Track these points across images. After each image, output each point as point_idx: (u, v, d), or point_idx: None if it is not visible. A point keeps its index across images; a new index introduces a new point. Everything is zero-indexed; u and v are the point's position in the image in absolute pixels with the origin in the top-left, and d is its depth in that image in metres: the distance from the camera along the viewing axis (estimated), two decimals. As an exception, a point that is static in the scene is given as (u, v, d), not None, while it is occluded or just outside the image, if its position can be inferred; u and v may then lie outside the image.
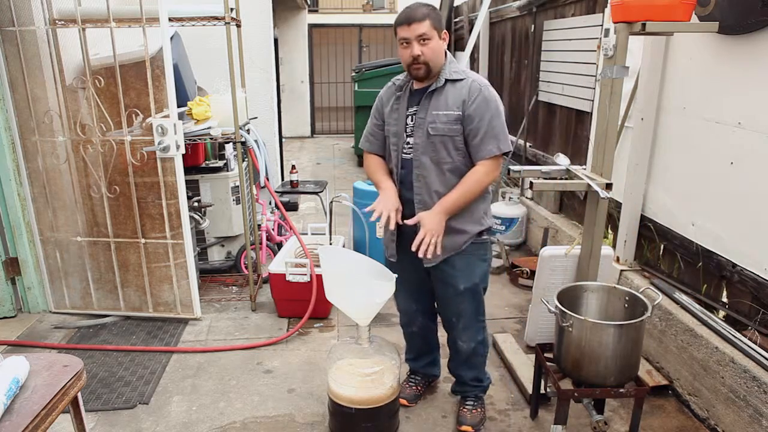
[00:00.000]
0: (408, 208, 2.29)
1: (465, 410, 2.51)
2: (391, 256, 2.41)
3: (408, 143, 2.25)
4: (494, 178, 2.24)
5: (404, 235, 2.33)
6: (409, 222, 2.16)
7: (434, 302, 2.53)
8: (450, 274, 2.32)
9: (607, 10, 2.91)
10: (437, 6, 7.65)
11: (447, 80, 2.19)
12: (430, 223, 2.13)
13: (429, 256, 2.13)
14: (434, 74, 2.19)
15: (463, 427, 2.45)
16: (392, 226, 2.21)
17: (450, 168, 2.21)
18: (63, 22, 3.09)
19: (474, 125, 2.15)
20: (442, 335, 2.61)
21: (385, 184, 2.30)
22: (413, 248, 2.13)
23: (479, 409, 2.52)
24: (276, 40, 5.21)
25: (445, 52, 2.21)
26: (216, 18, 3.18)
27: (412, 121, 2.24)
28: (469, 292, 2.34)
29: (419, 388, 2.68)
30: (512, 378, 2.83)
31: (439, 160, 2.21)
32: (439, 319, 2.58)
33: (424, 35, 2.10)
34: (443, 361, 2.73)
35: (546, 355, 2.36)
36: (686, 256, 2.79)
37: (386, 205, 2.20)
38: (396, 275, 2.27)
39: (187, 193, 3.24)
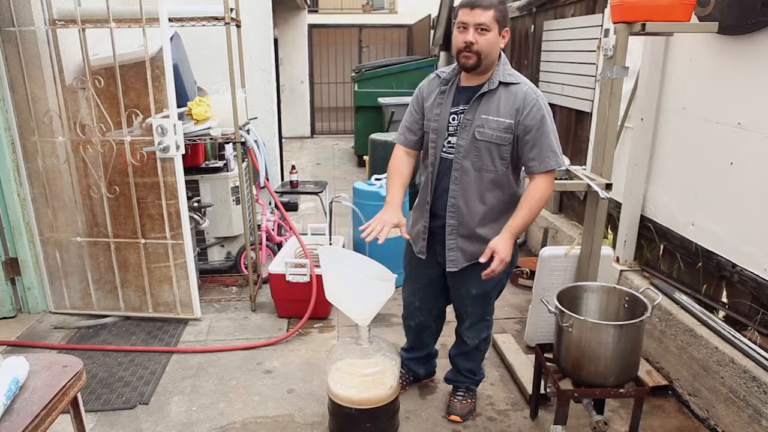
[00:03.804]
0: (441, 209, 2.24)
1: (455, 400, 2.55)
2: (420, 252, 2.35)
3: (450, 142, 2.17)
4: (551, 194, 2.19)
5: (432, 234, 2.31)
6: (483, 259, 2.07)
7: (438, 303, 2.52)
8: (464, 278, 2.32)
9: (607, 11, 2.92)
10: (437, 5, 7.66)
11: (501, 83, 2.09)
12: (503, 251, 2.06)
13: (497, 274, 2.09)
14: (483, 69, 2.08)
15: (452, 417, 2.49)
16: (381, 240, 2.11)
17: (491, 178, 2.15)
18: (63, 23, 3.09)
19: (531, 136, 2.07)
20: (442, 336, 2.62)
21: (393, 198, 2.23)
22: (483, 277, 2.09)
23: (469, 401, 2.55)
24: (276, 41, 5.21)
25: (500, 53, 2.11)
26: (216, 18, 3.17)
27: (456, 120, 2.15)
28: (479, 297, 2.36)
29: (402, 381, 2.68)
30: (512, 378, 2.83)
31: (481, 167, 2.14)
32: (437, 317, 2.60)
33: (483, 25, 1.98)
34: (443, 361, 2.74)
35: (546, 355, 2.36)
36: (686, 257, 2.79)
37: (383, 217, 2.15)
38: (410, 268, 2.30)
39: (186, 193, 3.24)
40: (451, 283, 2.40)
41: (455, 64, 2.16)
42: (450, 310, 2.56)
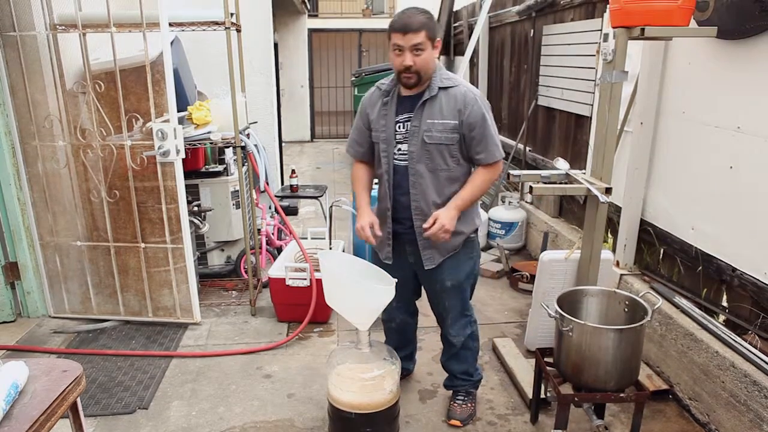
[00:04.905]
0: (403, 212, 2.33)
1: (455, 405, 2.57)
2: (386, 258, 2.43)
3: (400, 150, 2.28)
4: (497, 179, 2.36)
5: (399, 236, 2.39)
6: (426, 224, 2.18)
7: (412, 300, 2.62)
8: (437, 272, 2.38)
9: (606, 15, 2.92)
10: (437, 9, 7.68)
11: (440, 88, 2.21)
12: (445, 218, 2.17)
13: (438, 240, 2.20)
14: (424, 82, 2.20)
15: (452, 421, 2.51)
16: (371, 240, 2.28)
17: (446, 176, 2.26)
18: (64, 27, 3.10)
19: (475, 132, 2.20)
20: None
21: (360, 202, 2.39)
22: (425, 235, 2.20)
23: (469, 405, 2.57)
24: (276, 45, 5.23)
25: (436, 61, 2.22)
26: (216, 23, 3.18)
27: (403, 128, 2.26)
28: (454, 288, 2.41)
29: None
30: (512, 383, 2.83)
31: (435, 168, 2.24)
32: (420, 314, 2.70)
33: (418, 45, 2.10)
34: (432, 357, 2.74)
35: (546, 359, 2.36)
36: (686, 260, 2.79)
37: (360, 223, 2.29)
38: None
39: (186, 197, 3.24)
40: (426, 281, 2.46)
41: (393, 75, 2.27)
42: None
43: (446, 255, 2.34)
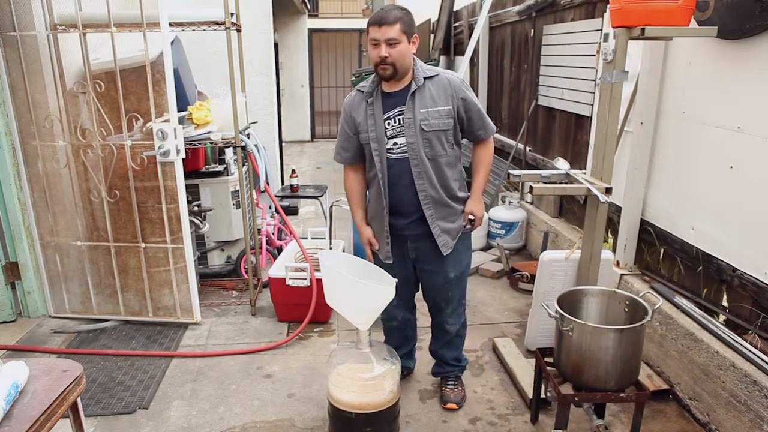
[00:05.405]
0: (406, 206, 2.36)
1: (448, 389, 2.66)
2: (386, 258, 2.46)
3: (396, 144, 2.30)
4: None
5: (399, 232, 2.42)
6: (469, 226, 2.43)
7: (411, 297, 2.65)
8: (440, 264, 2.43)
9: (607, 15, 2.92)
10: (437, 9, 7.68)
11: (424, 78, 2.28)
12: (479, 211, 2.43)
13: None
14: (401, 75, 2.25)
15: (449, 405, 2.60)
16: (373, 248, 2.47)
17: (445, 161, 2.33)
18: (64, 27, 3.10)
19: (472, 113, 2.32)
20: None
21: (357, 219, 2.51)
22: (469, 227, 2.45)
23: (460, 388, 2.67)
24: (276, 45, 5.23)
25: (413, 57, 2.28)
26: (216, 23, 3.18)
27: (395, 122, 2.29)
28: (456, 279, 2.47)
29: None
30: (512, 382, 2.83)
31: (435, 155, 2.30)
32: (421, 314, 2.74)
33: (393, 39, 2.17)
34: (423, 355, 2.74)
35: (546, 359, 2.36)
36: (686, 260, 2.79)
37: (363, 237, 2.48)
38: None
39: (187, 197, 3.24)
40: (427, 275, 2.50)
41: (373, 76, 2.33)
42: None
43: (456, 237, 2.40)
